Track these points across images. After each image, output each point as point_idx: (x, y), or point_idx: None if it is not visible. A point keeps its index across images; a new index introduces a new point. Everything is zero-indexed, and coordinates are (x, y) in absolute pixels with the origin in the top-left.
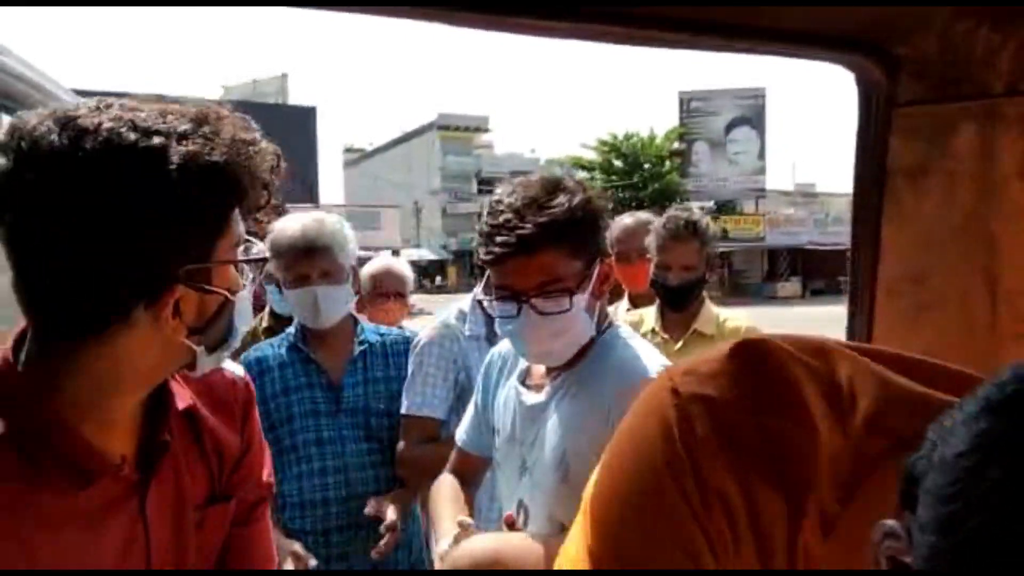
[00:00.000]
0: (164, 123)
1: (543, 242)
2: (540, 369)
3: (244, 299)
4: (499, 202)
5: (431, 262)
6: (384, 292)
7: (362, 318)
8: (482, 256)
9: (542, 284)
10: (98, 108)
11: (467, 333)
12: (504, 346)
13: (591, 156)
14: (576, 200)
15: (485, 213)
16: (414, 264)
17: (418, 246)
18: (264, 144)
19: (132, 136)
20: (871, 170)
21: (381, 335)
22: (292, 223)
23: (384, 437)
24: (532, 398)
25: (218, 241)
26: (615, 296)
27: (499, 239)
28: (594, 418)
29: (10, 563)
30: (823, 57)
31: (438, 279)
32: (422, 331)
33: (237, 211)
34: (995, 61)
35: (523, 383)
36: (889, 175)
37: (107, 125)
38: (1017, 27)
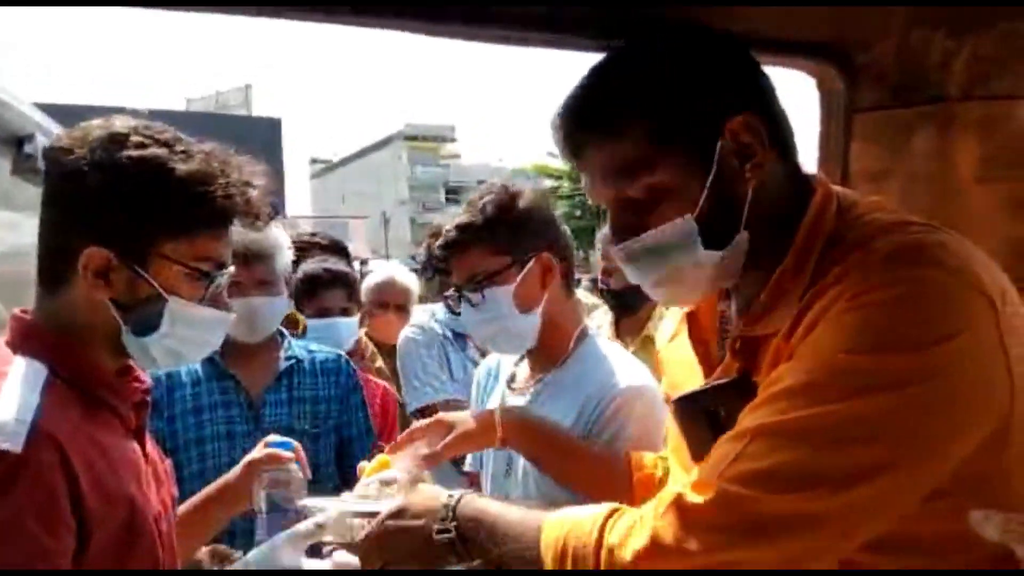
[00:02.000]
0: (149, 133)
1: (464, 242)
2: (525, 373)
3: (185, 308)
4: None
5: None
6: (385, 303)
7: (357, 331)
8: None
9: (470, 278)
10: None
11: (445, 332)
12: (492, 358)
13: (558, 164)
14: (501, 201)
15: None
16: None
17: (387, 257)
18: (241, 160)
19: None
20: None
21: (311, 352)
22: None
23: (307, 460)
24: (516, 400)
25: (163, 238)
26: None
27: (438, 243)
28: (569, 421)
29: (97, 459)
30: (787, 64)
31: None
32: (403, 331)
33: (215, 232)
34: (950, 67)
35: (509, 387)
36: (851, 179)
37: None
38: (971, 34)
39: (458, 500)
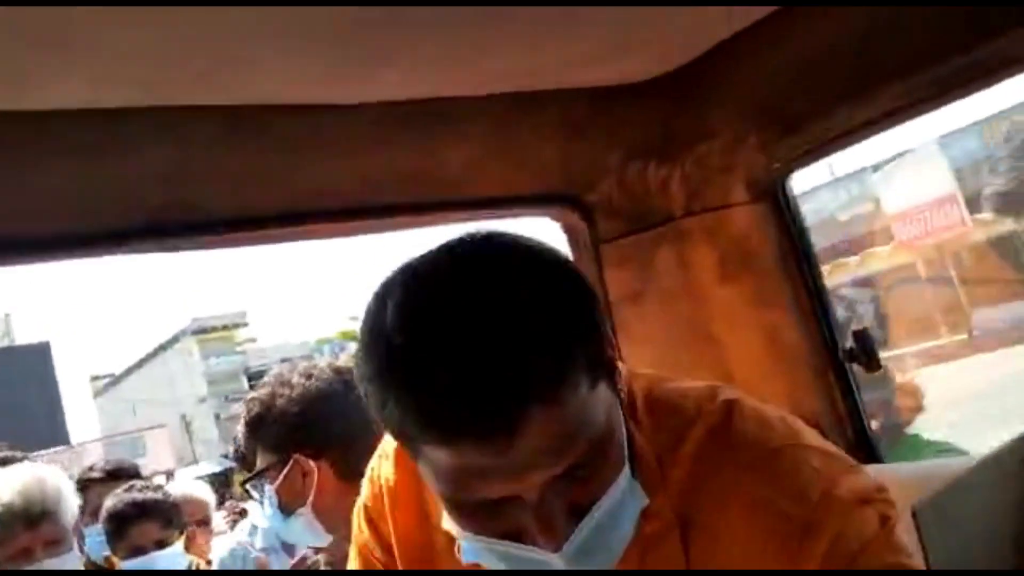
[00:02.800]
0: None
1: (247, 441)
2: None
3: None
4: None
5: (214, 475)
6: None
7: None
8: None
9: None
10: None
11: (259, 546)
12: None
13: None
14: (256, 401)
15: None
16: (202, 478)
17: (195, 462)
18: None
19: None
20: None
21: None
22: (3, 486)
23: None
24: None
25: None
26: None
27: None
28: None
29: None
30: (528, 213)
31: (226, 493)
32: (215, 553)
33: None
34: (668, 190)
35: None
36: (613, 305)
37: None
38: (679, 159)
39: None
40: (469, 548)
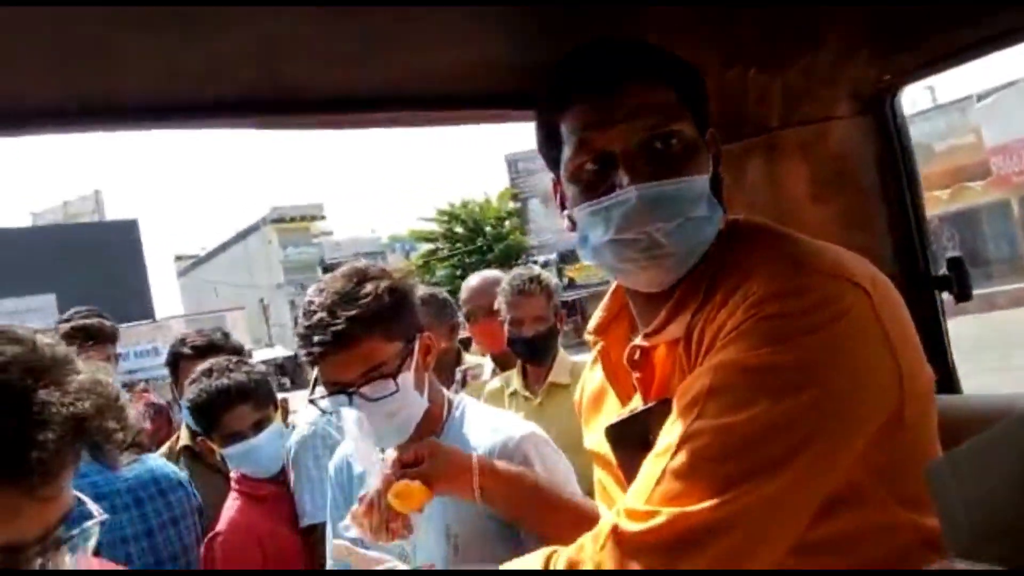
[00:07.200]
0: None
1: (357, 334)
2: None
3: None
4: (311, 302)
5: (287, 358)
6: None
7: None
8: (303, 356)
9: (365, 373)
10: None
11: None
12: (340, 452)
13: (433, 227)
14: (382, 287)
15: (300, 314)
16: (270, 363)
17: (271, 345)
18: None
19: None
20: None
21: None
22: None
23: None
24: None
25: None
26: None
27: (316, 338)
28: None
29: None
30: None
31: (296, 376)
32: (292, 435)
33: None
34: (767, 100)
35: None
36: None
37: None
38: (781, 68)
39: None
40: (581, 218)
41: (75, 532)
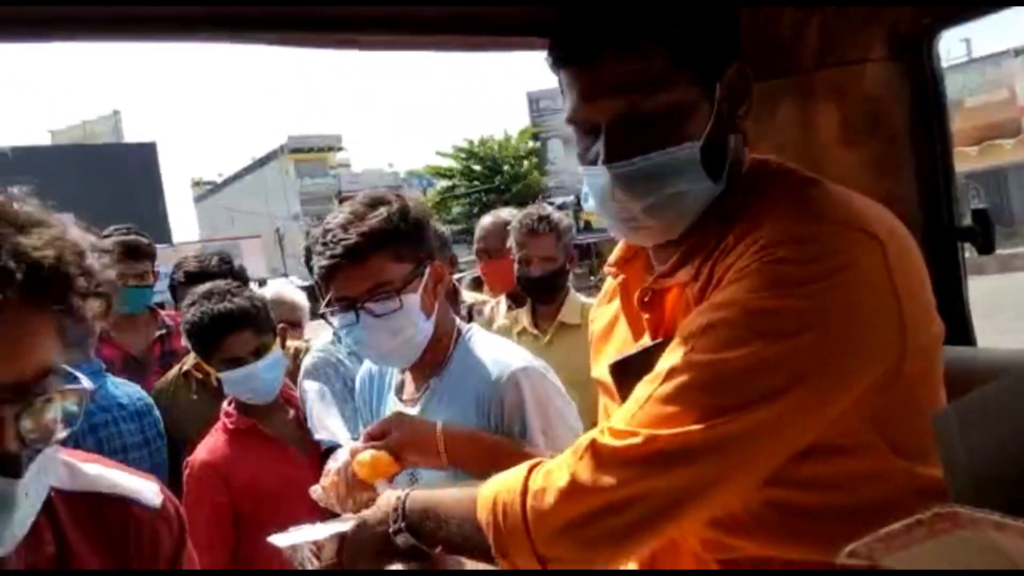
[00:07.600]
0: None
1: (367, 249)
2: (409, 382)
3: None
4: (327, 222)
5: (302, 288)
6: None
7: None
8: (316, 272)
9: (372, 289)
10: None
11: (346, 351)
12: (367, 367)
13: (450, 163)
14: (394, 209)
15: (318, 234)
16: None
17: (285, 275)
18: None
19: None
20: None
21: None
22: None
23: None
24: (408, 410)
25: None
26: (476, 289)
27: (328, 252)
28: (470, 415)
29: None
30: None
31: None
32: (304, 361)
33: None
34: (803, 38)
35: (399, 397)
36: None
37: None
38: (816, 7)
39: (405, 498)
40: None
41: (55, 392)
